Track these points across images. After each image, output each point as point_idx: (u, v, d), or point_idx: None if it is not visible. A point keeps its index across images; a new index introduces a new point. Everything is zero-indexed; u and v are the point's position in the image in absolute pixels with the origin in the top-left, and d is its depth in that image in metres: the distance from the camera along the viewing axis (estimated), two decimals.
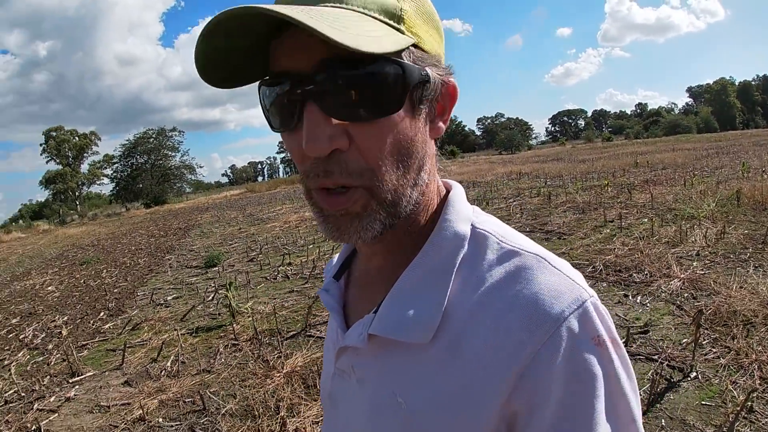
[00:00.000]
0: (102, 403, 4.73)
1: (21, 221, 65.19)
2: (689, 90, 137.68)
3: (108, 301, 9.13)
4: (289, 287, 8.05)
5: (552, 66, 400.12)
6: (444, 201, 0.77)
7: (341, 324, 0.82)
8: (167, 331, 6.61)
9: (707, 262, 6.50)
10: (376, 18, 0.63)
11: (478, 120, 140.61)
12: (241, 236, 15.28)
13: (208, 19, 0.57)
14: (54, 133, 62.70)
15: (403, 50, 0.63)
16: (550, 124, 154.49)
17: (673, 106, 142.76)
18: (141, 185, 56.45)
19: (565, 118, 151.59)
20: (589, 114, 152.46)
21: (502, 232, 0.73)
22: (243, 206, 28.08)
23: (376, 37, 0.58)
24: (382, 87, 0.62)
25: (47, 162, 63.38)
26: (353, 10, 0.62)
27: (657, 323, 4.84)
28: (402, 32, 0.64)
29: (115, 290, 10.04)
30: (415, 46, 0.65)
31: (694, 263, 6.47)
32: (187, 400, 4.59)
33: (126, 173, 58.78)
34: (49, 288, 11.40)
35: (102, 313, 8.17)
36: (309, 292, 7.51)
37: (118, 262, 13.98)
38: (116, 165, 60.65)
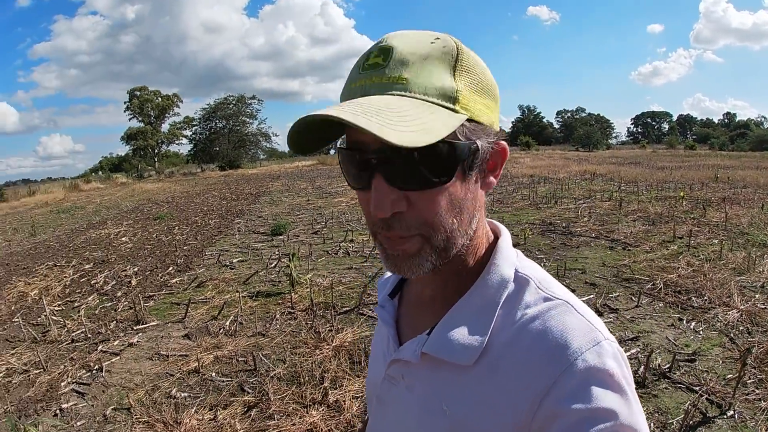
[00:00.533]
0: (161, 352, 5.04)
1: (100, 172, 67.63)
2: None
3: (177, 257, 9.54)
4: (348, 264, 8.23)
5: (639, 63, 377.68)
6: (493, 245, 0.89)
7: (395, 338, 0.96)
8: (229, 292, 6.91)
9: None
10: (433, 102, 0.72)
11: (558, 113, 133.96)
12: (308, 208, 15.53)
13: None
14: (138, 93, 63.97)
15: (457, 128, 0.72)
16: (632, 124, 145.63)
17: (763, 119, 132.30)
18: (217, 148, 57.42)
19: (649, 120, 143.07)
20: (674, 118, 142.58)
21: (539, 278, 0.85)
22: (313, 178, 28.38)
23: (426, 129, 0.67)
24: (434, 163, 0.72)
25: (129, 119, 64.76)
26: (415, 98, 0.72)
27: (706, 353, 4.67)
28: (456, 111, 0.73)
29: (185, 247, 10.46)
30: (469, 120, 0.74)
31: (757, 295, 6.15)
32: (240, 359, 4.83)
33: (204, 136, 59.97)
34: (123, 239, 11.96)
35: (171, 268, 8.57)
36: (367, 271, 7.65)
37: (190, 220, 14.49)
38: (195, 127, 62.05)
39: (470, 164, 0.76)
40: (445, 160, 0.73)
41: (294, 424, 3.75)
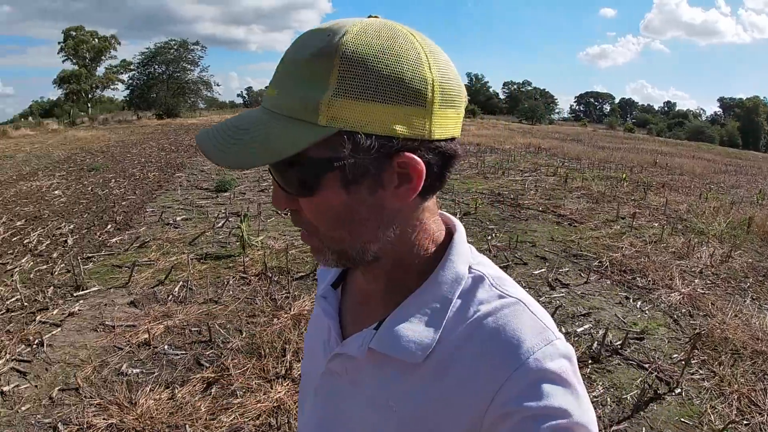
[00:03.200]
0: (107, 322, 4.74)
1: (30, 118, 64.85)
2: (720, 100, 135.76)
3: (116, 213, 9.08)
4: None
5: (588, 44, 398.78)
6: (446, 242, 0.87)
7: (338, 331, 0.93)
8: (175, 254, 6.64)
9: (708, 282, 6.63)
10: (291, 117, 0.69)
11: (504, 84, 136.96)
12: None
13: None
14: (74, 33, 60.94)
15: (318, 142, 0.67)
16: (575, 102, 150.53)
17: (701, 111, 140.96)
18: (155, 95, 55.57)
19: (592, 100, 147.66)
20: (617, 101, 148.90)
21: (494, 275, 0.84)
22: None
23: (269, 149, 0.68)
24: (291, 177, 0.72)
25: (63, 61, 62.21)
26: (274, 113, 0.71)
27: (653, 333, 5.01)
28: (316, 124, 0.67)
29: (124, 203, 9.99)
30: (347, 132, 0.68)
31: (696, 280, 6.60)
32: (193, 329, 4.62)
33: (142, 81, 57.70)
34: (56, 192, 11.31)
35: (109, 226, 8.14)
36: None
37: (127, 172, 13.87)
38: (133, 72, 59.51)
39: (351, 177, 0.71)
40: (300, 175, 0.72)
41: (259, 401, 3.62)
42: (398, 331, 0.79)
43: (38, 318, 4.84)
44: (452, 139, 0.75)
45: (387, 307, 0.84)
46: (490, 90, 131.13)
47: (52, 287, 5.57)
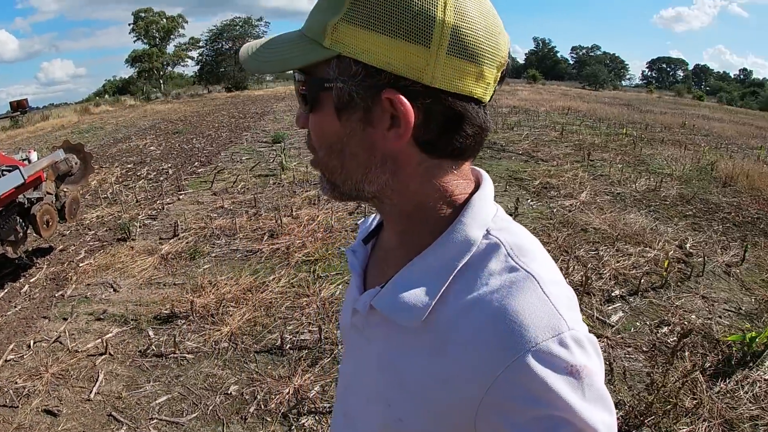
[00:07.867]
0: (199, 201, 8.77)
1: (107, 96, 69.86)
2: None
3: (200, 156, 13.20)
4: None
5: (662, 6, 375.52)
6: (466, 201, 0.83)
7: (360, 286, 0.96)
8: (240, 173, 10.62)
9: (612, 197, 8.48)
10: (306, 36, 0.76)
11: (573, 48, 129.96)
12: None
13: None
14: (143, 14, 66.13)
15: (322, 62, 0.74)
16: (647, 68, 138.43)
17: None
18: (223, 69, 60.21)
19: (664, 66, 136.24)
20: (690, 67, 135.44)
21: (513, 243, 0.79)
22: None
23: (282, 60, 0.77)
24: (303, 90, 0.77)
25: (134, 41, 67.89)
26: (301, 32, 0.79)
27: (526, 215, 8.19)
28: (322, 45, 0.73)
29: (204, 151, 14.03)
30: (348, 57, 0.71)
31: (605, 196, 8.52)
32: (247, 202, 8.45)
33: (211, 57, 63.10)
34: (151, 148, 15.38)
35: (196, 163, 12.26)
36: None
37: (204, 134, 17.73)
38: (202, 49, 65.08)
39: (342, 104, 0.74)
40: (305, 89, 0.76)
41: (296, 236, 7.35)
42: (397, 291, 0.79)
43: (158, 201, 8.87)
44: (470, 99, 0.73)
45: (398, 266, 0.84)
46: (558, 55, 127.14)
47: (162, 192, 9.60)
